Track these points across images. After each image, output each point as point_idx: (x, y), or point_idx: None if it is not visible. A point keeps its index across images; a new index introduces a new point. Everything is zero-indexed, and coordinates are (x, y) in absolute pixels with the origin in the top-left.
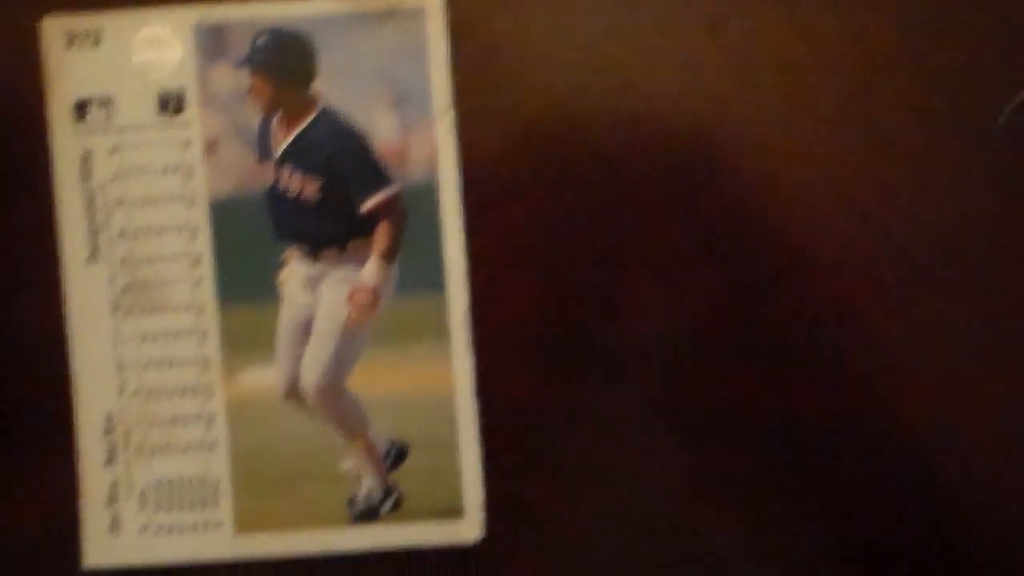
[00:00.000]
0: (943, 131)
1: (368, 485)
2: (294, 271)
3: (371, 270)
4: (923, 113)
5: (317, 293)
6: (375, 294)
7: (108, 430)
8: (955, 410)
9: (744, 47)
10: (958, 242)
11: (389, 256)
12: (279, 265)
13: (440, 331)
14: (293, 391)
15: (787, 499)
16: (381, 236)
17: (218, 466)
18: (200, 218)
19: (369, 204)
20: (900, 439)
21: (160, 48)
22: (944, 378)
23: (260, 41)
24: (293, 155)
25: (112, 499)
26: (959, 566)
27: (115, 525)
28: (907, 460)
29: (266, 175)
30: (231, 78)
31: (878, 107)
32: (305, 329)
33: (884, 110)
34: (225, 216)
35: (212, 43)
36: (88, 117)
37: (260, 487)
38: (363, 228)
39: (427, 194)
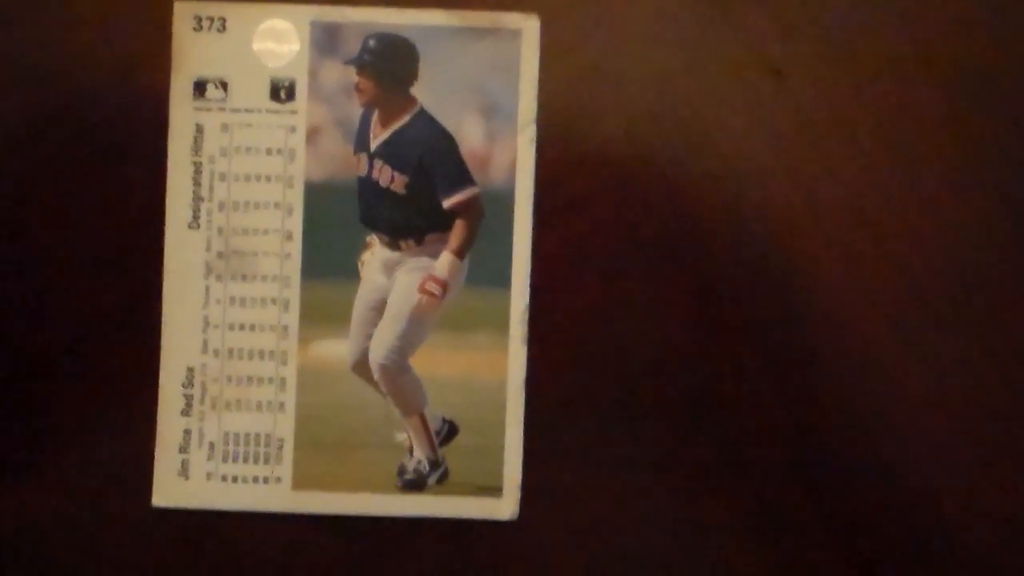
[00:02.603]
0: (973, 190)
1: (418, 457)
2: (374, 255)
3: (444, 263)
4: (957, 173)
5: (392, 278)
6: (445, 285)
7: (188, 382)
8: (964, 445)
9: (804, 96)
10: (977, 290)
11: (462, 252)
12: (361, 248)
13: (500, 324)
14: (360, 364)
15: (792, 502)
16: (457, 233)
17: (284, 426)
18: (295, 198)
19: (451, 201)
20: (909, 474)
21: (278, 40)
22: (955, 415)
23: (369, 43)
24: (387, 150)
25: (184, 446)
26: None
27: (184, 470)
28: (916, 497)
29: (360, 165)
30: (339, 74)
31: (917, 162)
32: (378, 309)
33: (922, 165)
34: (318, 199)
35: (325, 40)
36: (205, 95)
37: (320, 449)
38: (441, 224)
39: (503, 198)
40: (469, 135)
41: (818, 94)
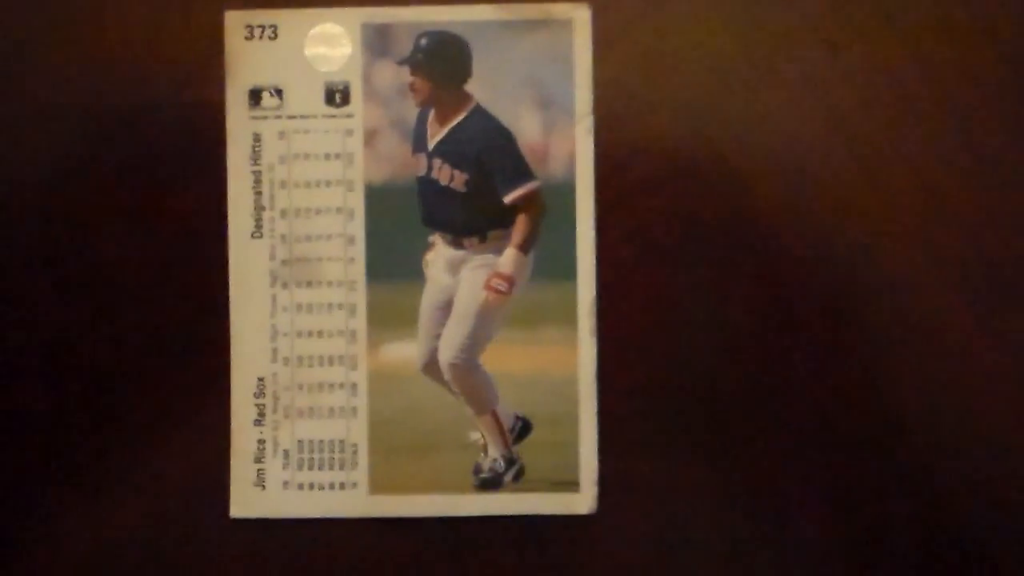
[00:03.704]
0: None
1: (493, 455)
2: (438, 254)
3: (508, 259)
4: (1021, 134)
5: (458, 276)
6: (511, 281)
7: (259, 392)
8: None
9: (862, 69)
10: None
11: (526, 247)
12: (425, 248)
13: (568, 317)
14: (430, 365)
15: (871, 483)
16: (520, 228)
17: (357, 431)
18: (356, 202)
19: (512, 196)
20: (986, 449)
21: (330, 44)
22: None
23: (422, 42)
24: (445, 148)
25: (259, 456)
26: None
27: (260, 480)
28: (994, 474)
29: (419, 165)
30: (393, 75)
31: (980, 128)
32: (445, 309)
33: (985, 131)
34: (379, 201)
35: (377, 41)
36: (261, 104)
37: (394, 452)
38: (503, 220)
39: (564, 190)
40: (526, 129)
41: (875, 65)
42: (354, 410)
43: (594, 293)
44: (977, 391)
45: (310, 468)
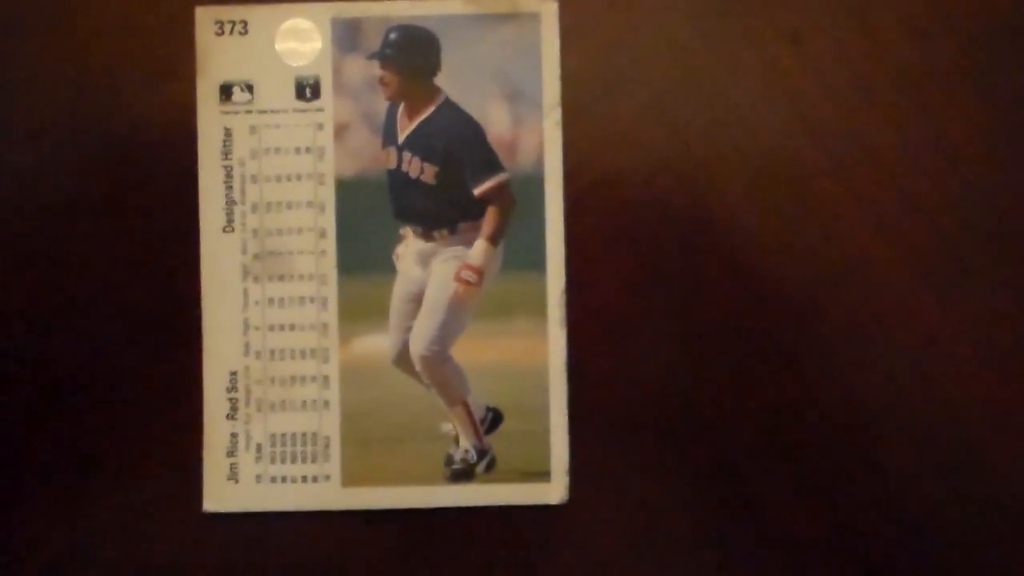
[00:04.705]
0: (1000, 141)
1: (465, 446)
2: (408, 247)
3: (478, 250)
4: (982, 124)
5: (428, 269)
6: (480, 273)
7: (232, 386)
8: (1007, 398)
9: (823, 59)
10: (1009, 243)
11: (495, 239)
12: (395, 241)
13: (538, 308)
14: (402, 357)
15: (841, 468)
16: (489, 220)
17: (329, 424)
18: (327, 195)
19: (481, 189)
20: (949, 428)
21: (300, 39)
22: (993, 369)
23: (391, 36)
24: (415, 141)
25: (232, 450)
26: None
27: (233, 474)
28: (964, 455)
29: (389, 159)
30: (363, 69)
31: (941, 118)
32: (416, 301)
33: (946, 120)
34: (349, 194)
35: (347, 36)
36: (232, 99)
37: (366, 445)
38: (473, 212)
39: (533, 182)
40: (495, 121)
41: (837, 57)
42: (326, 403)
43: (563, 284)
44: (942, 377)
45: (283, 461)
